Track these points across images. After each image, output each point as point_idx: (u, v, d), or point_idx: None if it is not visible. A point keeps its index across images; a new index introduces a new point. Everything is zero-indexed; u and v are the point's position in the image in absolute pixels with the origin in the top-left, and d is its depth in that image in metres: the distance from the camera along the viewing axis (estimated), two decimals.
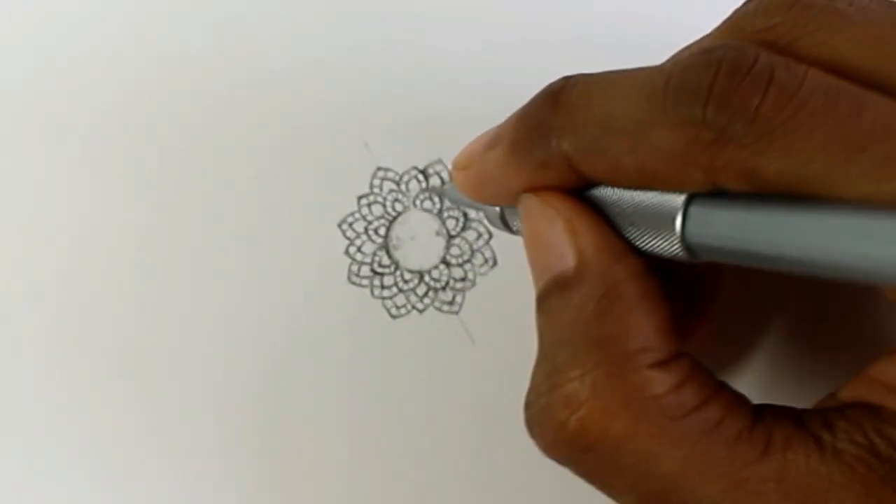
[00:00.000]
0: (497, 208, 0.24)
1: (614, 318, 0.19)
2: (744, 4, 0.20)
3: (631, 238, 0.20)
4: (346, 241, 0.29)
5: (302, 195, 0.29)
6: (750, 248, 0.18)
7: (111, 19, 0.29)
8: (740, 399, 0.20)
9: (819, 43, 0.18)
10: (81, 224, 0.28)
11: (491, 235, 0.29)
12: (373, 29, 0.29)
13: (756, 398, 0.20)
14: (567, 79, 0.20)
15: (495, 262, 0.29)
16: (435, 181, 0.29)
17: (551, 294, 0.20)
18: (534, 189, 0.21)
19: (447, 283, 0.29)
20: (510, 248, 0.29)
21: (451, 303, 0.29)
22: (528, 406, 0.21)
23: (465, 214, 0.29)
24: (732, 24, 0.20)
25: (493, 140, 0.21)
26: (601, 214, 0.20)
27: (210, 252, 0.28)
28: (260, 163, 0.29)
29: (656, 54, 0.22)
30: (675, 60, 0.19)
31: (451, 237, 0.29)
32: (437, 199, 0.29)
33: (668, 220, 0.19)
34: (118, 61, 0.29)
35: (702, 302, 0.25)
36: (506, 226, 0.23)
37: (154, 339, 0.28)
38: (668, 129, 0.18)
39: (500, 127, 0.22)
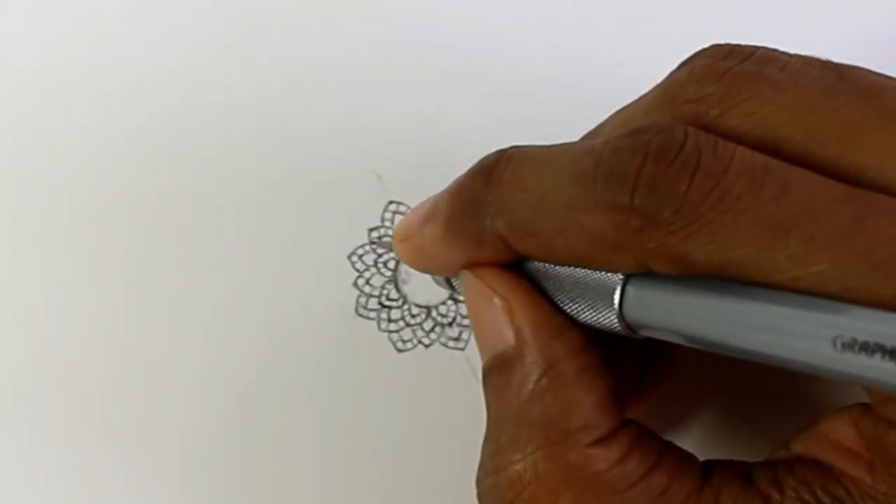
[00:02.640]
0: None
1: (553, 398, 0.19)
2: (676, 70, 0.20)
3: (570, 312, 0.20)
4: (356, 273, 0.29)
5: (313, 226, 0.29)
6: (684, 330, 0.18)
7: (123, 36, 0.30)
8: (687, 460, 0.20)
9: (750, 113, 0.18)
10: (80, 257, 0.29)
11: None
12: (386, 64, 0.30)
13: (711, 450, 0.20)
14: (501, 154, 0.20)
15: None
16: None
17: (493, 372, 0.20)
18: (471, 264, 0.21)
19: (454, 318, 0.29)
20: None
21: (458, 339, 0.29)
22: (477, 483, 0.21)
23: None
24: (665, 93, 0.20)
25: (430, 215, 0.22)
26: (540, 288, 0.20)
27: (218, 280, 0.29)
28: (272, 192, 0.29)
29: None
30: (605, 141, 0.18)
31: None
32: None
33: (606, 297, 0.19)
34: (128, 81, 0.30)
35: (661, 360, 0.24)
36: (452, 288, 0.23)
37: (156, 368, 0.28)
38: (597, 214, 0.18)
39: (436, 200, 0.22)
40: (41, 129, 0.30)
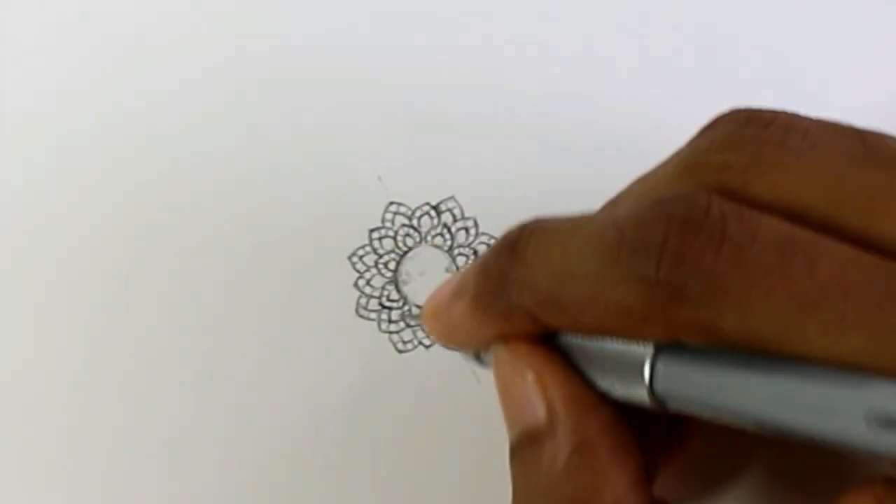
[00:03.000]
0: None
1: (585, 475, 0.19)
2: (696, 137, 0.20)
3: (601, 386, 0.20)
4: (356, 274, 0.29)
5: (313, 227, 0.29)
6: (714, 404, 0.17)
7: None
8: None
9: (774, 184, 0.18)
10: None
11: None
12: (389, 65, 0.30)
13: None
14: (523, 228, 0.20)
15: None
16: (447, 218, 0.29)
17: (523, 446, 0.20)
18: (502, 338, 0.21)
19: None
20: None
21: None
22: None
23: (475, 252, 0.29)
24: (687, 160, 0.19)
25: (458, 291, 0.22)
26: (571, 362, 0.20)
27: (218, 281, 0.29)
28: (273, 192, 0.29)
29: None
30: (628, 212, 0.18)
31: None
32: (448, 236, 0.29)
33: (636, 371, 0.19)
34: (125, 80, 0.30)
35: (680, 431, 0.24)
36: (481, 363, 0.23)
37: (155, 367, 0.28)
38: (623, 287, 0.18)
39: (464, 276, 0.22)
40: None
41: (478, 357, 0.23)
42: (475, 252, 0.29)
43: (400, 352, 0.28)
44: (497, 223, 0.29)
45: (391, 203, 0.29)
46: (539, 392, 0.20)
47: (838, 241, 0.17)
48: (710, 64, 0.30)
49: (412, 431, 0.28)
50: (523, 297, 0.19)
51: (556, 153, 0.29)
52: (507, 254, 0.20)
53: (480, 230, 0.29)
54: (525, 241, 0.20)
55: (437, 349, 0.29)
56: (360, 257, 0.29)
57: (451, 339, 0.23)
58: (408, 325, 0.29)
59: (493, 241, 0.29)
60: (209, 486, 0.28)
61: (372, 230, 0.29)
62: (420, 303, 0.29)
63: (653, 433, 0.22)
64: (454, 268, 0.29)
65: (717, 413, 0.18)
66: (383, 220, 0.29)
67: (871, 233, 0.17)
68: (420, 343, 0.29)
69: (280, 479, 0.28)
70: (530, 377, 0.20)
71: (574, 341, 0.20)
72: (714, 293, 0.16)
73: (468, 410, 0.28)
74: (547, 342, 0.21)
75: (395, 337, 0.29)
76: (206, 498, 0.28)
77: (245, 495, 0.28)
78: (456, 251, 0.29)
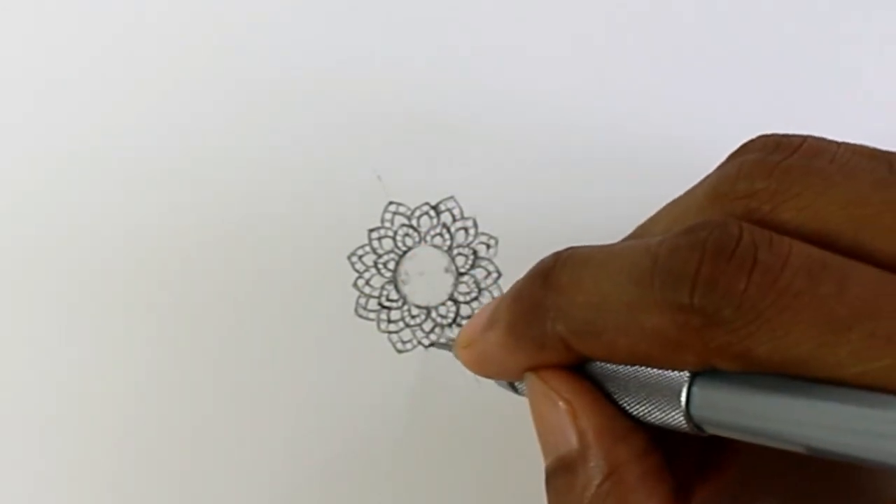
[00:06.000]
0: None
1: (615, 502, 0.19)
2: (725, 164, 0.20)
3: (635, 413, 0.20)
4: (355, 274, 0.29)
5: (313, 226, 0.29)
6: (751, 428, 0.18)
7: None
8: None
9: (802, 208, 0.18)
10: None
11: (500, 274, 0.29)
12: (392, 67, 0.30)
13: None
14: (557, 256, 0.20)
15: None
16: (446, 217, 0.29)
17: (557, 474, 0.20)
18: (535, 368, 0.21)
19: (454, 319, 0.29)
20: None
21: None
22: None
23: (474, 252, 0.29)
24: (716, 188, 0.20)
25: (491, 320, 0.22)
26: (603, 390, 0.20)
27: (218, 281, 0.29)
28: (272, 192, 0.29)
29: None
30: (661, 240, 0.18)
31: (459, 274, 0.29)
32: (447, 236, 0.29)
33: (672, 396, 0.19)
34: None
35: (717, 453, 0.24)
36: (515, 391, 0.23)
37: (153, 369, 0.28)
38: (657, 314, 0.18)
39: (498, 306, 0.22)
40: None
41: (512, 386, 0.23)
42: (474, 252, 0.29)
43: (399, 352, 0.28)
44: (497, 223, 0.29)
45: (390, 203, 0.29)
46: (570, 421, 0.20)
47: (867, 263, 0.17)
48: (717, 69, 0.30)
49: (411, 431, 0.28)
50: (557, 325, 0.20)
51: (555, 154, 0.29)
52: (540, 282, 0.20)
53: (480, 230, 0.29)
54: (559, 269, 0.20)
55: (437, 349, 0.29)
56: (360, 257, 0.29)
57: (484, 369, 0.23)
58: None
59: (491, 241, 0.29)
60: (208, 486, 0.28)
61: (371, 230, 0.29)
62: (419, 303, 0.29)
63: (689, 455, 0.23)
64: (453, 268, 0.29)
65: (753, 436, 0.18)
66: (383, 220, 0.29)
67: None
68: (419, 343, 0.29)
69: (279, 478, 0.28)
70: (562, 406, 0.20)
71: (607, 368, 0.20)
72: (747, 318, 0.17)
73: (467, 410, 0.28)
74: (579, 370, 0.21)
75: (395, 337, 0.29)
76: (205, 498, 0.28)
77: (245, 494, 0.28)
78: (455, 251, 0.29)
